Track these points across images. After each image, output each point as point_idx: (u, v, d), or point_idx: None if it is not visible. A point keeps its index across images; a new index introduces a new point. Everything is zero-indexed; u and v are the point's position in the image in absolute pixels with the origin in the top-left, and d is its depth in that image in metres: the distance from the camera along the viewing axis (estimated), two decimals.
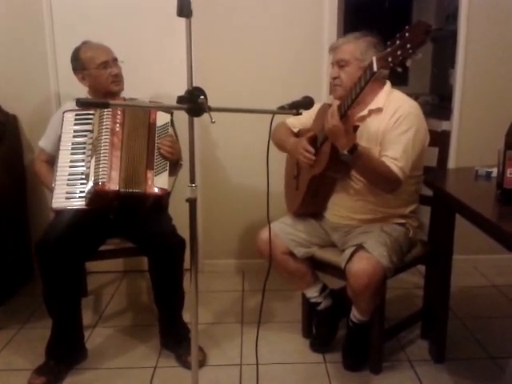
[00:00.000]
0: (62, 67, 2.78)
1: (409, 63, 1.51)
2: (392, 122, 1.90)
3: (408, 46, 1.48)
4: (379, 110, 1.95)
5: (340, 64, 1.98)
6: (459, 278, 2.64)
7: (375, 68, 1.60)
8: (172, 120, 2.24)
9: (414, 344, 2.31)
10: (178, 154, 2.23)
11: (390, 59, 1.54)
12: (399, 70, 1.55)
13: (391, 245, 1.93)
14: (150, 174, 2.11)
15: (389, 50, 1.54)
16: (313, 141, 2.04)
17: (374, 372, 2.10)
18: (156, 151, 2.14)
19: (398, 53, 1.50)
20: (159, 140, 2.16)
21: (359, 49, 1.95)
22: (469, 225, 1.74)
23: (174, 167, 2.25)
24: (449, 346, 2.18)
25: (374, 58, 1.61)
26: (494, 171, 1.95)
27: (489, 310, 2.64)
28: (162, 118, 2.20)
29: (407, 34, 1.48)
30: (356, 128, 1.83)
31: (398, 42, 1.51)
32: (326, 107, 1.98)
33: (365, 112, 1.96)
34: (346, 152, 1.77)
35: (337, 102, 1.82)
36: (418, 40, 1.46)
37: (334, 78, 2.01)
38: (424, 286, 2.30)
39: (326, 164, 1.89)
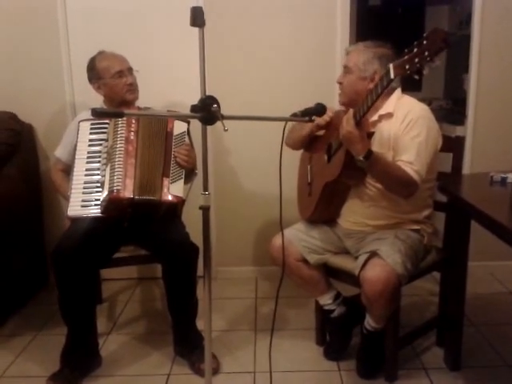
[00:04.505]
0: (77, 77, 2.82)
1: (426, 71, 1.50)
2: (403, 126, 1.90)
3: (426, 53, 1.47)
4: (389, 115, 1.95)
5: (345, 70, 2.02)
6: (475, 284, 2.62)
7: (392, 75, 1.60)
8: (189, 129, 2.26)
9: (429, 352, 2.29)
10: (193, 162, 2.25)
11: (407, 66, 1.53)
12: (416, 77, 1.55)
13: (405, 251, 1.92)
14: (165, 182, 2.13)
15: (406, 57, 1.54)
16: (328, 148, 2.04)
17: (388, 380, 2.08)
18: (172, 159, 2.16)
19: (416, 60, 1.50)
20: (176, 148, 2.18)
21: (362, 59, 1.97)
22: (485, 230, 1.72)
23: (189, 176, 2.27)
24: (464, 354, 2.15)
25: (391, 65, 1.60)
26: (510, 177, 1.93)
27: (505, 317, 2.60)
28: (179, 127, 2.22)
29: (425, 42, 1.48)
30: (371, 134, 1.84)
31: (415, 49, 1.50)
32: (340, 114, 1.98)
33: (375, 117, 1.95)
34: (361, 158, 1.77)
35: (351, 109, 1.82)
36: (436, 47, 1.46)
37: (340, 83, 2.05)
38: (439, 293, 2.28)
39: (341, 170, 1.89)
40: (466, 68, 2.97)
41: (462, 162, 2.25)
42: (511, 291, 2.89)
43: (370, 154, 1.77)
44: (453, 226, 2.13)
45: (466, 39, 2.91)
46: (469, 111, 2.92)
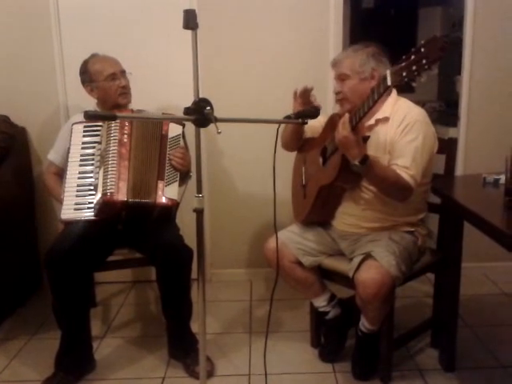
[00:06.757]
0: (70, 80, 2.81)
1: (424, 78, 1.50)
2: (399, 130, 1.90)
3: (424, 61, 1.47)
4: (386, 120, 1.95)
5: (341, 78, 2.01)
6: (469, 285, 2.63)
7: (389, 82, 1.60)
8: (183, 132, 2.26)
9: (423, 353, 2.29)
10: (188, 165, 2.24)
11: (404, 74, 1.54)
12: (414, 84, 1.55)
13: (400, 253, 1.92)
14: (160, 185, 2.13)
15: (403, 64, 1.54)
16: (322, 151, 2.04)
17: (383, 381, 2.08)
18: (167, 162, 2.16)
19: (413, 68, 1.50)
20: (171, 151, 2.18)
21: (358, 62, 1.96)
22: (479, 232, 1.73)
23: (184, 178, 2.26)
24: (459, 355, 2.16)
25: (388, 72, 1.60)
26: (502, 178, 1.93)
27: (499, 318, 2.61)
28: (174, 130, 2.21)
29: (423, 50, 1.48)
30: (366, 139, 1.84)
31: (413, 56, 1.51)
32: (335, 117, 1.98)
33: (371, 121, 1.95)
34: (357, 163, 1.78)
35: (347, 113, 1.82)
36: (435, 56, 1.46)
37: (337, 93, 2.04)
38: (433, 295, 2.29)
39: (336, 174, 1.89)
40: (458, 70, 2.98)
41: (454, 163, 2.25)
42: (505, 292, 2.90)
43: (365, 158, 1.77)
44: (446, 227, 2.14)
45: (459, 41, 2.92)
46: (461, 113, 2.94)
